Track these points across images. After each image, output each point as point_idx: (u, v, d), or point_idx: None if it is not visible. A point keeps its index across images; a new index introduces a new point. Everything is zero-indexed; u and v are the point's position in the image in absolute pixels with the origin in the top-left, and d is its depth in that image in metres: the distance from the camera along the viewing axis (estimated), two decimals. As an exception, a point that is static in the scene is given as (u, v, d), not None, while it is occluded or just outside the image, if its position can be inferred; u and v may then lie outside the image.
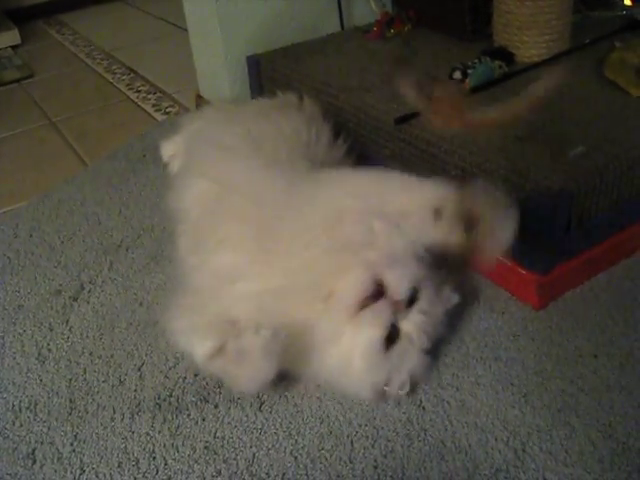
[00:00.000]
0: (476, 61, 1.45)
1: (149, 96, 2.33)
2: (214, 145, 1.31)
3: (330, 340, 0.95)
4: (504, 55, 1.50)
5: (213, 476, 0.94)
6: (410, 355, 0.96)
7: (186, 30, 2.00)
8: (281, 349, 0.92)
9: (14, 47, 3.05)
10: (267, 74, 1.75)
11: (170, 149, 1.64)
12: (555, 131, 1.23)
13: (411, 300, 0.95)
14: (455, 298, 1.03)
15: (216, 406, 1.04)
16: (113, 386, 1.10)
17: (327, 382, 1.01)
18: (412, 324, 0.95)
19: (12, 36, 3.07)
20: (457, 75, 1.43)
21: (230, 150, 1.26)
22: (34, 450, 1.00)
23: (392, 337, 0.94)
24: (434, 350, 1.03)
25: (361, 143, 1.41)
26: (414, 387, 1.00)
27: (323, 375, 1.00)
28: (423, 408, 1.00)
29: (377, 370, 0.95)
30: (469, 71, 1.42)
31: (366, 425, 0.98)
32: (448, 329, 1.05)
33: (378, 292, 0.93)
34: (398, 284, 0.93)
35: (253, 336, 0.92)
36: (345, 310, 0.94)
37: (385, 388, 0.98)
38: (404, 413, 0.99)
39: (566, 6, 1.50)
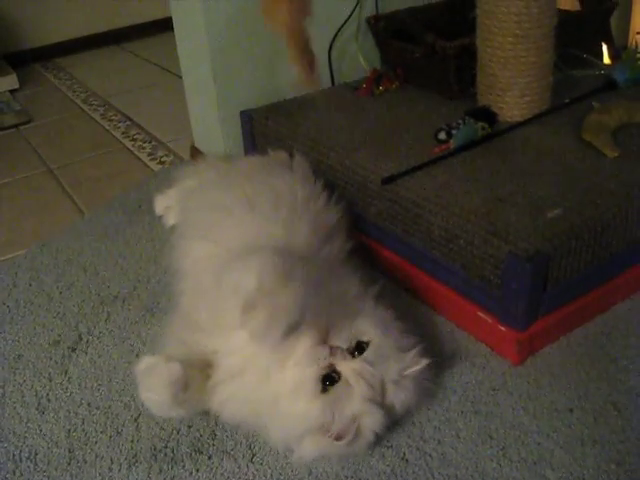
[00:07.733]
0: (460, 122, 1.52)
1: (144, 145, 2.38)
2: (211, 206, 1.36)
3: (263, 377, 1.03)
4: (487, 115, 1.57)
5: (206, 526, 0.98)
6: (351, 400, 0.99)
7: (181, 77, 2.07)
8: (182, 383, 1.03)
9: (12, 91, 3.10)
10: (259, 129, 1.80)
11: (164, 202, 1.70)
12: (534, 192, 1.29)
13: (358, 351, 1.02)
14: (422, 362, 1.04)
15: (210, 457, 1.08)
16: (111, 436, 1.14)
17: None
18: (351, 369, 1.00)
19: (10, 80, 3.11)
20: (442, 136, 1.50)
21: (227, 211, 1.30)
22: (34, 500, 1.04)
23: (332, 379, 0.99)
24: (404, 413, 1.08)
25: (349, 201, 1.47)
26: (360, 436, 1.01)
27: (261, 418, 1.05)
28: (406, 461, 1.04)
29: (313, 409, 0.98)
30: (453, 132, 1.49)
31: (352, 477, 1.03)
32: (419, 395, 1.07)
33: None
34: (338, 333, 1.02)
35: (162, 364, 1.04)
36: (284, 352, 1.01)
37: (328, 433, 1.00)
38: (388, 465, 1.04)
39: (546, 69, 1.58)
